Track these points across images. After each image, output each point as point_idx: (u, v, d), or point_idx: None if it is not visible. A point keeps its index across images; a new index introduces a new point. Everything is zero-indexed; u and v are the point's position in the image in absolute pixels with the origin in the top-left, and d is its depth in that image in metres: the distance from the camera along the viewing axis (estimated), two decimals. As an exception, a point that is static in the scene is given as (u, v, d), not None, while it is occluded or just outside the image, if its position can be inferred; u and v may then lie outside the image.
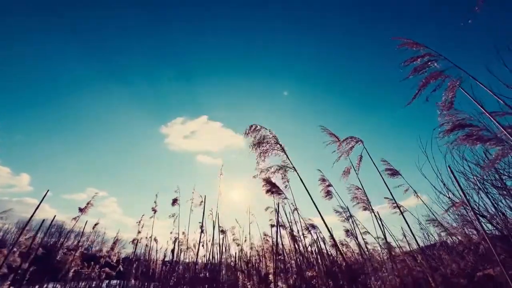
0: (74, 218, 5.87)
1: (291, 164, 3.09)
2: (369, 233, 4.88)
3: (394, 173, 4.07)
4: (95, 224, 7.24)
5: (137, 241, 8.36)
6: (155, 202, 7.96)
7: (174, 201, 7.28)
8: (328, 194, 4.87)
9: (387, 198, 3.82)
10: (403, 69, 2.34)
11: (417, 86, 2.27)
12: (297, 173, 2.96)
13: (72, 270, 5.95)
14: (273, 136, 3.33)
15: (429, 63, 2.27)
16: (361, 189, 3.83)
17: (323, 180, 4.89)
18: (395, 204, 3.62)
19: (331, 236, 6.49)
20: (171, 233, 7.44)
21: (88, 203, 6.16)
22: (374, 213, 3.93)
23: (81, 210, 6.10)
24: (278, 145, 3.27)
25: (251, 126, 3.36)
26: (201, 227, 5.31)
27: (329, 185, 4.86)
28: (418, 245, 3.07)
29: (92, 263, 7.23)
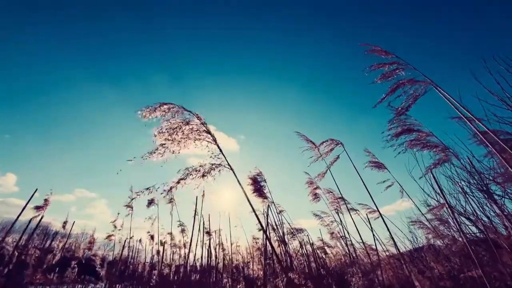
0: (34, 217, 5.61)
1: (226, 160, 2.35)
2: (353, 237, 4.88)
3: (378, 165, 3.72)
4: (64, 223, 6.83)
5: (125, 241, 7.91)
6: (132, 199, 6.69)
7: (150, 202, 6.30)
8: (316, 196, 4.88)
9: (361, 204, 3.71)
10: (369, 74, 2.39)
11: (387, 91, 2.32)
12: (233, 172, 2.32)
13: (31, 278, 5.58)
14: (201, 123, 2.47)
15: (397, 70, 2.33)
16: (332, 192, 3.82)
17: (311, 182, 4.91)
18: (369, 210, 3.61)
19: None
20: (155, 237, 6.98)
21: (46, 201, 5.91)
22: (359, 215, 3.95)
23: (38, 208, 5.75)
24: (208, 134, 2.44)
25: (164, 104, 2.40)
26: (192, 230, 5.29)
27: (317, 188, 4.87)
28: (399, 249, 3.08)
29: (74, 264, 6.96)
